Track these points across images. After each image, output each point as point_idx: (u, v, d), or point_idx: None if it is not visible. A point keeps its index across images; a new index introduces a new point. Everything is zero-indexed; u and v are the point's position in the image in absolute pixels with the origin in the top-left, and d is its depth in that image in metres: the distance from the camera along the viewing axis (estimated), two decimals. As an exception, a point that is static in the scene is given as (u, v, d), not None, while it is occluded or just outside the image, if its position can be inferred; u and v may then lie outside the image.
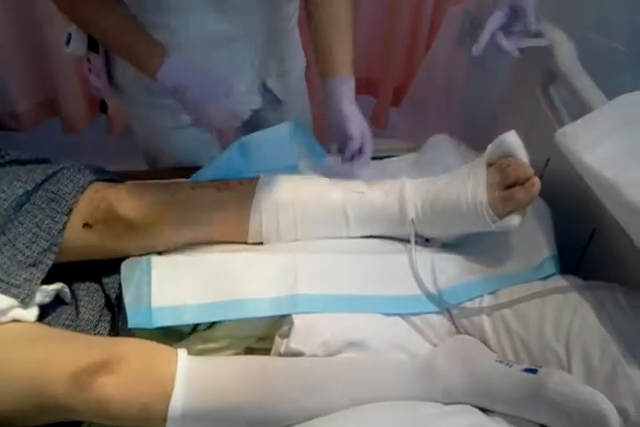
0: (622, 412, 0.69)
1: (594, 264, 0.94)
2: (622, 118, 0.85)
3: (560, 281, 0.88)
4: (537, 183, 0.87)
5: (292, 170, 1.13)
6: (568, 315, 0.80)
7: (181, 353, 0.77)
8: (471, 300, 0.88)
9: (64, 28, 1.07)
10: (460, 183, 0.92)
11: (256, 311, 0.84)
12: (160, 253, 0.93)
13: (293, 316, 0.83)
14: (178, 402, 0.72)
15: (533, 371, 0.73)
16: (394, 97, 1.87)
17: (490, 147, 0.92)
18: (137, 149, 1.31)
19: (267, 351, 0.85)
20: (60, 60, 1.73)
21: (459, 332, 0.87)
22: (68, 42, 1.07)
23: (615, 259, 0.88)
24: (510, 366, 0.75)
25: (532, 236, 0.94)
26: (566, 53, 1.00)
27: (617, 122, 0.84)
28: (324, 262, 0.90)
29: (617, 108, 0.86)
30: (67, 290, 0.89)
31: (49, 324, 0.85)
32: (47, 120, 1.82)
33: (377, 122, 1.90)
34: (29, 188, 0.87)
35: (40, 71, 1.75)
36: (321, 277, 0.88)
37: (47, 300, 0.85)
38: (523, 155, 0.90)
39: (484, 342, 0.84)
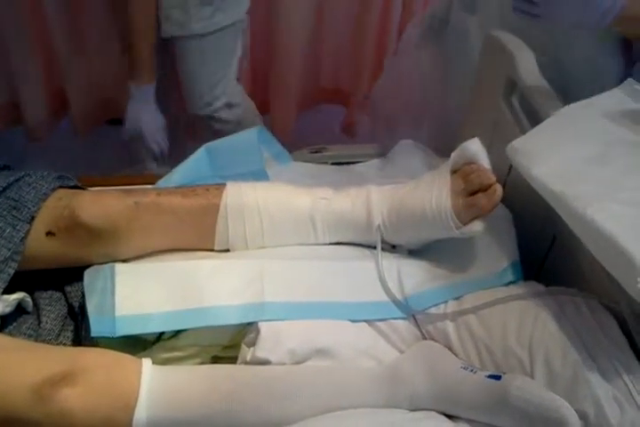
0: (583, 416, 0.70)
1: (555, 270, 0.96)
2: (568, 130, 0.87)
3: (522, 287, 0.89)
4: (499, 190, 0.88)
5: (260, 175, 1.13)
6: (530, 320, 0.81)
7: (146, 363, 0.76)
8: (436, 306, 0.89)
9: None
10: (424, 190, 0.92)
11: (222, 319, 0.83)
12: (124, 261, 0.92)
13: (259, 324, 0.83)
14: (142, 414, 0.71)
15: (497, 377, 0.74)
16: (364, 107, 1.90)
17: (453, 154, 0.94)
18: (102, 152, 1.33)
19: (233, 360, 0.85)
20: (24, 66, 1.71)
21: (424, 338, 0.88)
22: None
23: (575, 265, 0.90)
24: (475, 373, 0.76)
25: (495, 242, 0.95)
26: (526, 63, 1.02)
27: (563, 134, 0.86)
28: (290, 269, 0.90)
29: (562, 121, 0.88)
30: (28, 299, 0.87)
31: (9, 334, 0.83)
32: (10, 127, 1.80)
33: (347, 130, 1.93)
34: (-10, 195, 0.85)
35: (2, 78, 1.73)
36: (287, 285, 0.88)
37: (8, 310, 0.84)
38: (485, 162, 0.91)
39: (449, 348, 0.85)
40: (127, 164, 1.72)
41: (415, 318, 0.89)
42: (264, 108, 1.78)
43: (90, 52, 1.77)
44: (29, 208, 0.86)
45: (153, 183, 1.07)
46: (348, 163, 1.28)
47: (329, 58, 1.57)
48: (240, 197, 0.94)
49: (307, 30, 1.69)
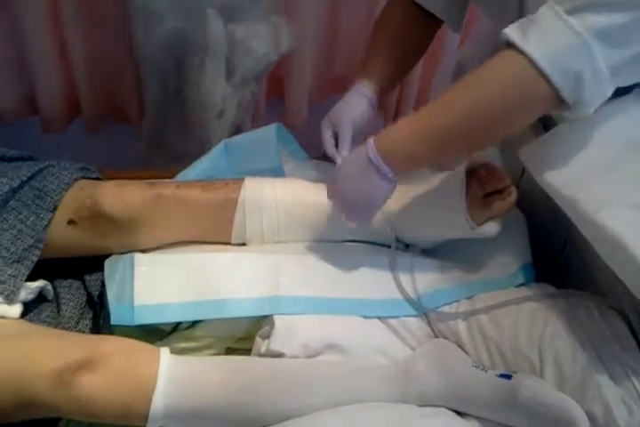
0: (591, 417, 0.71)
1: (566, 272, 0.97)
2: (581, 135, 0.87)
3: (534, 289, 0.90)
4: (514, 192, 0.89)
5: (277, 172, 1.14)
6: (541, 322, 0.82)
7: (164, 352, 0.77)
8: (448, 304, 0.91)
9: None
10: (439, 190, 0.94)
11: (238, 311, 0.85)
12: (143, 251, 0.93)
13: (274, 317, 0.84)
14: (159, 402, 0.72)
15: (508, 376, 0.75)
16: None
17: (469, 155, 0.95)
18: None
19: (247, 351, 0.86)
20: (40, 59, 1.72)
21: (436, 336, 0.89)
22: None
23: (586, 267, 0.91)
24: (486, 372, 0.78)
25: (508, 244, 0.96)
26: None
27: (576, 139, 0.87)
28: (306, 264, 0.92)
29: (575, 125, 0.89)
30: (49, 287, 0.89)
31: (30, 321, 0.85)
32: (27, 117, 1.81)
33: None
34: (15, 184, 0.87)
35: (20, 69, 1.73)
36: (303, 279, 0.89)
37: (31, 297, 0.85)
38: (499, 164, 0.93)
39: (460, 347, 0.86)
40: (141, 160, 1.72)
41: (427, 316, 0.90)
42: (279, 94, 1.77)
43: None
44: (52, 197, 0.88)
45: (172, 177, 1.08)
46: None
47: (344, 47, 1.55)
48: (258, 192, 0.95)
49: (322, 20, 1.67)
